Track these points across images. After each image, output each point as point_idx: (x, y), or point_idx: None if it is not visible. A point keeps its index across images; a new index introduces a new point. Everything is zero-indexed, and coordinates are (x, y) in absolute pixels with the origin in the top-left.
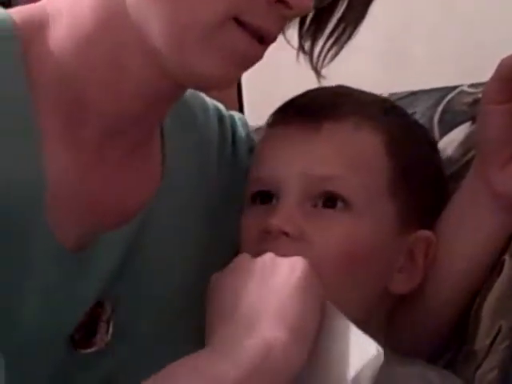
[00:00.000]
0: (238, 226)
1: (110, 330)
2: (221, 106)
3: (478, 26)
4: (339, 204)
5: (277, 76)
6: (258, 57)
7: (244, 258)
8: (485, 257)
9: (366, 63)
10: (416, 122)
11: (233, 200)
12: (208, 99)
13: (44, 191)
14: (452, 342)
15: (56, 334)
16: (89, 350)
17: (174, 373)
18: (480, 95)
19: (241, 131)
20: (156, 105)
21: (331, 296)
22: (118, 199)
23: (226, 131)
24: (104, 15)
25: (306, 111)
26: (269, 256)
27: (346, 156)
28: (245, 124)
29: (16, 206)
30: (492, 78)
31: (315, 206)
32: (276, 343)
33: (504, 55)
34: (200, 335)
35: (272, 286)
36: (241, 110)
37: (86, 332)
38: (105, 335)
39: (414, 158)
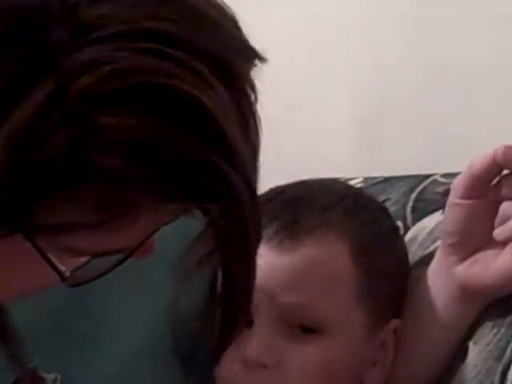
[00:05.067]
0: None
1: None
2: None
3: (452, 117)
4: (316, 329)
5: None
6: None
7: None
8: (447, 343)
9: (339, 145)
10: (378, 212)
11: None
12: None
13: None
14: None
15: None
16: None
17: None
18: (451, 186)
19: None
20: None
21: None
22: None
23: None
24: None
25: (267, 231)
26: None
27: (314, 277)
28: None
29: None
30: (462, 174)
31: (290, 327)
32: None
33: (477, 147)
34: None
35: None
36: None
37: None
38: None
39: (379, 258)
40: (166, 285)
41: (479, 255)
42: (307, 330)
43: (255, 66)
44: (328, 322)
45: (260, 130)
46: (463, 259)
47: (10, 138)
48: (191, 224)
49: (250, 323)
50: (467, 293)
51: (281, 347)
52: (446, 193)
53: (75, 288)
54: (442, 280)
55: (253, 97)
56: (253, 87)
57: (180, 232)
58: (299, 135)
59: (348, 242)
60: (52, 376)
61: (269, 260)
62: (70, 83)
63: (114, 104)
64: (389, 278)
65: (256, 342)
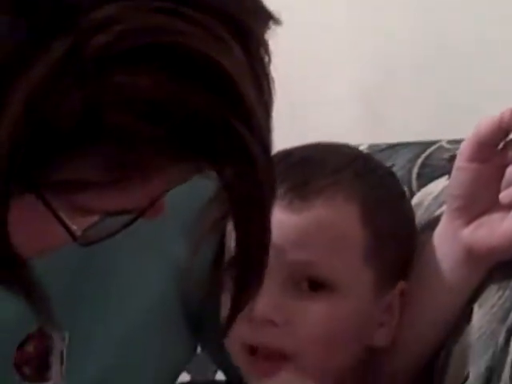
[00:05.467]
0: None
1: (65, 362)
2: None
3: (458, 83)
4: (324, 287)
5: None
6: None
7: None
8: (452, 306)
9: (343, 115)
10: (386, 176)
11: None
12: None
13: None
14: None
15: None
16: None
17: None
18: (457, 152)
19: None
20: None
21: (317, 362)
22: None
23: None
24: None
25: (278, 191)
26: None
27: (323, 237)
28: None
29: None
30: (469, 138)
31: (298, 286)
32: None
33: (483, 113)
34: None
35: None
36: None
37: (37, 366)
38: (59, 369)
39: (387, 221)
40: (177, 248)
41: (485, 219)
42: (315, 288)
43: (269, 28)
44: (335, 281)
45: (273, 93)
46: (469, 223)
47: (26, 96)
48: (205, 189)
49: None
50: (472, 256)
51: (289, 306)
52: (452, 159)
53: (86, 249)
54: (447, 244)
55: (267, 59)
56: (267, 49)
57: (193, 196)
58: (304, 104)
59: (357, 204)
60: (60, 334)
61: (278, 219)
62: (86, 41)
63: (128, 62)
64: (396, 240)
65: (265, 301)
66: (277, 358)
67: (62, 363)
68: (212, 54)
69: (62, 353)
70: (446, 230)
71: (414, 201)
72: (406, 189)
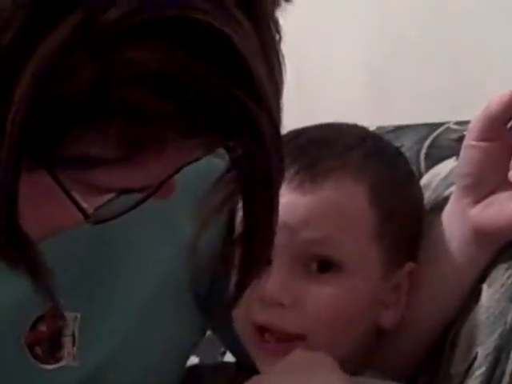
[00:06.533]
0: None
1: (76, 343)
2: None
3: (465, 63)
4: (333, 267)
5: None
6: None
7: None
8: (461, 285)
9: (351, 94)
10: (395, 156)
11: None
12: None
13: None
14: (426, 366)
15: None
16: (55, 366)
17: None
18: (465, 132)
19: None
20: None
21: (325, 343)
22: None
23: None
24: None
25: (288, 172)
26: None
27: (332, 216)
28: None
29: None
30: (479, 115)
31: (307, 267)
32: None
33: (490, 94)
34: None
35: None
36: None
37: (49, 347)
38: (71, 349)
39: (395, 201)
40: (187, 228)
41: (493, 198)
42: (323, 270)
43: (280, 5)
44: (344, 260)
45: (284, 70)
46: (477, 202)
47: (38, 69)
48: (217, 169)
49: (267, 262)
50: (481, 235)
51: (298, 287)
52: (460, 139)
53: (98, 231)
54: (456, 223)
55: (277, 37)
56: (277, 26)
57: (205, 177)
58: (312, 85)
59: (366, 185)
60: (72, 315)
61: (288, 200)
62: (98, 15)
63: (140, 37)
64: (404, 221)
65: (274, 281)
66: (285, 338)
67: (73, 344)
68: (223, 29)
69: (73, 333)
70: (454, 209)
71: (423, 182)
72: (414, 170)
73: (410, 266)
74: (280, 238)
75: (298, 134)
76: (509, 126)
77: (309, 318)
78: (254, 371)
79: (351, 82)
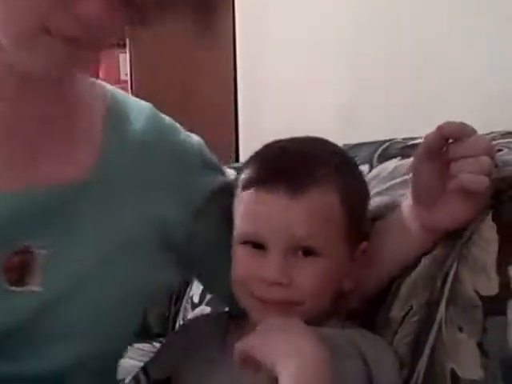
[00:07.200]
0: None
1: (42, 273)
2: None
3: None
4: (314, 254)
5: (273, 116)
6: (80, 59)
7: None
8: (407, 260)
9: (322, 118)
10: (355, 167)
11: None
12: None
13: None
14: (368, 310)
15: None
16: (22, 289)
17: None
18: (408, 143)
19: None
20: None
21: (314, 304)
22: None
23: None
24: None
25: (283, 183)
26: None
27: (317, 218)
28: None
29: None
30: (421, 144)
31: (295, 254)
32: None
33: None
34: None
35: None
36: (236, 150)
37: (20, 274)
38: (38, 277)
39: (356, 201)
40: (161, 203)
41: (438, 202)
42: (306, 255)
43: None
44: (323, 249)
45: None
46: (429, 207)
47: None
48: (192, 147)
49: (264, 248)
50: (426, 229)
51: (291, 269)
52: (404, 147)
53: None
54: (410, 221)
55: None
56: None
57: (180, 163)
58: (293, 116)
59: (338, 193)
60: (43, 251)
61: (283, 204)
62: None
63: None
64: (362, 215)
65: (274, 267)
66: (283, 304)
67: (41, 273)
68: None
69: (41, 265)
70: (410, 210)
71: (373, 173)
72: (368, 165)
73: (364, 244)
74: (278, 232)
75: (284, 147)
76: (444, 149)
77: (301, 290)
78: (243, 318)
79: (324, 114)
